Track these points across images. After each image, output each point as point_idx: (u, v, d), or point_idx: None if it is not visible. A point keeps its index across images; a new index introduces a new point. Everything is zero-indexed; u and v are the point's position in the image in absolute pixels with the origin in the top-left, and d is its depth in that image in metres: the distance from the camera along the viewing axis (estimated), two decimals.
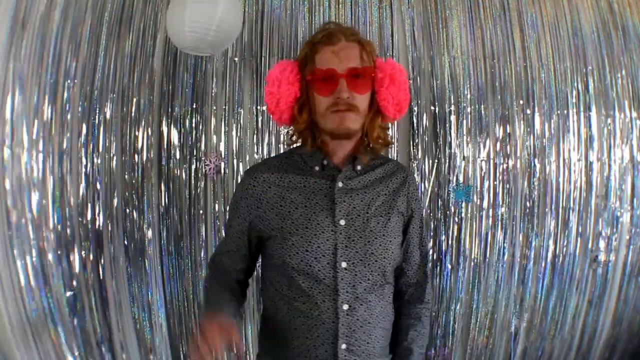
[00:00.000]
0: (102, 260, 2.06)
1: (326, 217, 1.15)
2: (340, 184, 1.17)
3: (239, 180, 1.27)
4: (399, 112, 1.20)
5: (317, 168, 1.20)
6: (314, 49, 1.16)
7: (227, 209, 2.07)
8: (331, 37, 1.14)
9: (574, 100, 2.30)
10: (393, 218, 1.20)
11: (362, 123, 1.17)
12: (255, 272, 1.64)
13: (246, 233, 1.24)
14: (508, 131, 2.27)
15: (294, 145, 1.26)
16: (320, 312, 1.12)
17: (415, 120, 2.23)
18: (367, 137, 1.19)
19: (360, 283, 1.13)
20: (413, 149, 2.24)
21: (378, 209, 1.19)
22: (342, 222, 1.15)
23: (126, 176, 2.11)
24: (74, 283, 1.99)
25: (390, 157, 2.24)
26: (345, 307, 1.12)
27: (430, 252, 2.25)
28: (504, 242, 2.28)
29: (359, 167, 1.21)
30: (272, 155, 2.11)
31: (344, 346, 1.12)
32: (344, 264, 1.13)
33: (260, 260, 1.31)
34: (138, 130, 2.12)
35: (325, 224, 1.14)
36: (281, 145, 2.18)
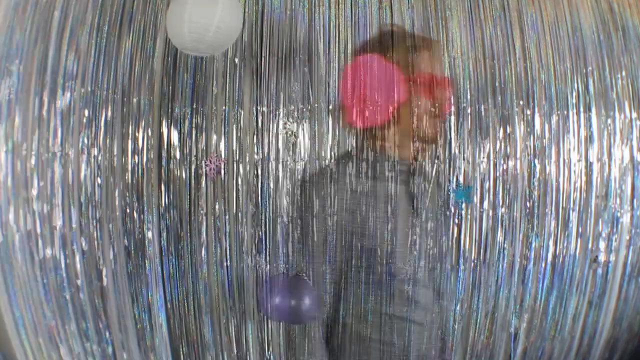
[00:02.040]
0: (102, 260, 2.06)
1: None
2: None
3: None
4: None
5: None
6: None
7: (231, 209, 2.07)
8: None
9: (574, 101, 2.29)
10: None
11: None
12: None
13: None
14: (508, 131, 2.27)
15: None
16: None
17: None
18: None
19: None
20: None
21: None
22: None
23: (126, 176, 2.11)
24: (74, 283, 1.99)
25: None
26: None
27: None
28: (504, 243, 2.28)
29: None
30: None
31: None
32: None
33: None
34: (138, 131, 2.12)
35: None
36: (281, 146, 2.18)
